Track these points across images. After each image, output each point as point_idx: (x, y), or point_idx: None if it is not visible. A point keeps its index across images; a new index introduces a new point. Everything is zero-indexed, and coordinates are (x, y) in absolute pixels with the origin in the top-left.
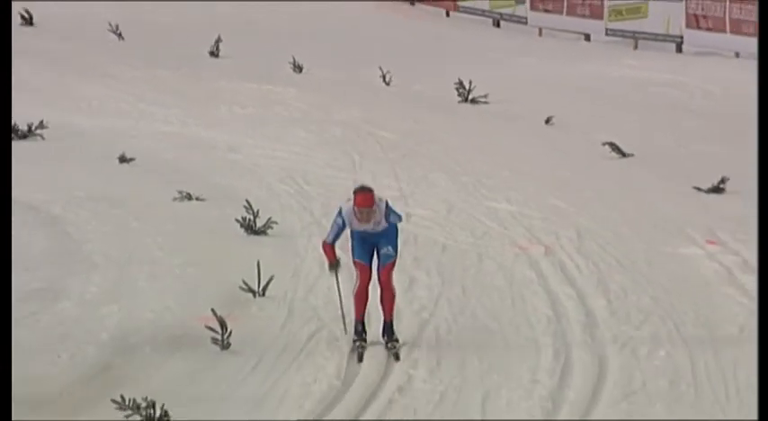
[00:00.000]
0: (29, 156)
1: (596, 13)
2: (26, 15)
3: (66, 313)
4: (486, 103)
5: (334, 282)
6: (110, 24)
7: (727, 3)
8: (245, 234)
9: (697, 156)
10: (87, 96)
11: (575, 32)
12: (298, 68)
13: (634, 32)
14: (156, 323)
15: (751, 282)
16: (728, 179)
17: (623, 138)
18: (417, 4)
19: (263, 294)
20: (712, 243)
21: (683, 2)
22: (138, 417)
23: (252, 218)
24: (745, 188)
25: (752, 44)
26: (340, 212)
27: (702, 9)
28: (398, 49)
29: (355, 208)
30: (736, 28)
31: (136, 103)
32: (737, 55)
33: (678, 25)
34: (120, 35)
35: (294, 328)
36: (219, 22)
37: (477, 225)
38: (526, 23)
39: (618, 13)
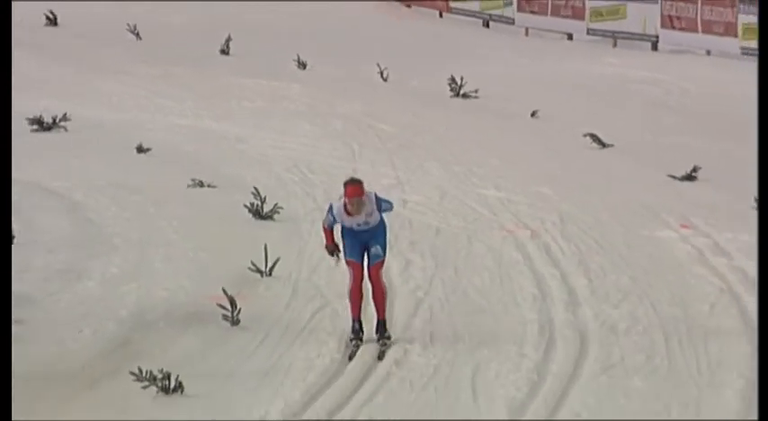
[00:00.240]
0: (53, 146)
1: (578, 14)
2: (51, 17)
3: (89, 292)
4: (476, 97)
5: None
6: (128, 25)
7: (699, 5)
8: (253, 219)
9: (671, 146)
10: (107, 92)
11: (558, 32)
12: (302, 65)
13: (613, 32)
14: (171, 301)
15: (721, 263)
16: (700, 168)
17: (603, 129)
18: (413, 6)
19: (270, 274)
20: (685, 227)
21: (659, 4)
22: (154, 388)
23: (259, 204)
24: (715, 176)
25: (721, 43)
26: (330, 209)
27: (676, 10)
28: (395, 48)
29: (346, 199)
30: (708, 28)
31: (152, 97)
32: (708, 53)
33: (654, 25)
34: (137, 35)
35: (299, 306)
36: (225, 21)
37: (469, 210)
38: (513, 24)
39: (598, 14)
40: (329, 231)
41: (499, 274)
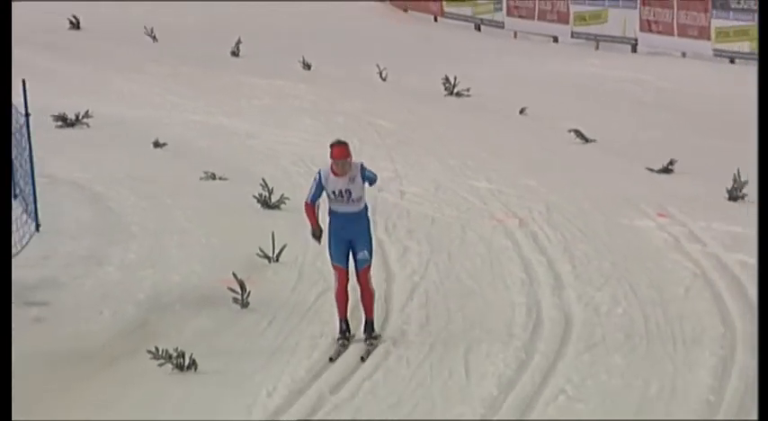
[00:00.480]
0: (77, 141)
1: (563, 19)
2: (74, 21)
3: (109, 277)
4: (468, 96)
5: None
6: (145, 28)
7: (675, 10)
8: (262, 208)
9: (650, 141)
10: (126, 90)
11: (545, 35)
12: (306, 66)
13: (596, 35)
14: (185, 285)
15: (695, 249)
16: (676, 161)
17: (586, 126)
18: (409, 11)
19: (277, 260)
20: (662, 216)
21: (638, 9)
22: (170, 365)
23: (267, 194)
24: (690, 169)
25: (696, 45)
26: (319, 172)
27: (654, 15)
28: (393, 49)
29: (332, 160)
30: (683, 31)
31: (167, 95)
32: (684, 55)
33: (633, 29)
34: (154, 37)
35: (304, 290)
36: (227, 22)
37: (462, 201)
38: (503, 27)
39: (582, 18)
40: (312, 209)
41: (490, 260)
